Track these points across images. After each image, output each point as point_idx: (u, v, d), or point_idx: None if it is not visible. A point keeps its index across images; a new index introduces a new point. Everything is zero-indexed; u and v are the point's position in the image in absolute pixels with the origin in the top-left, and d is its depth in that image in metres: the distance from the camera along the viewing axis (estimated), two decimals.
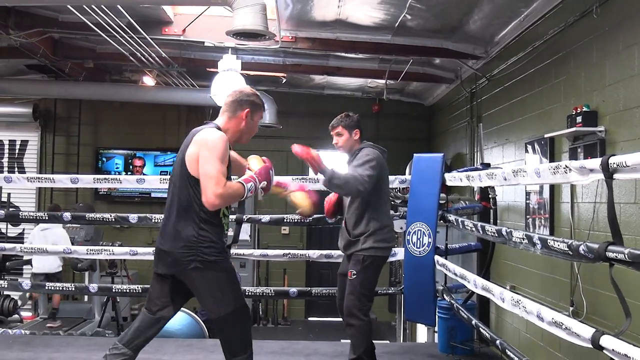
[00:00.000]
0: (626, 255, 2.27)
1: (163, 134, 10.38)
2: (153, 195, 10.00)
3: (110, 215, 5.11)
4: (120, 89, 9.27)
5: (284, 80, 9.27)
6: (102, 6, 5.57)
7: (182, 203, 3.06)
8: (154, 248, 5.13)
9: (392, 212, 6.12)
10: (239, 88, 3.39)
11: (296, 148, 3.89)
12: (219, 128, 3.16)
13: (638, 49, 3.90)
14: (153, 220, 5.07)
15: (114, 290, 5.38)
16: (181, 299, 3.22)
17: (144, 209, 9.59)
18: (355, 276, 4.00)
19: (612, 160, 2.38)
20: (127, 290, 5.23)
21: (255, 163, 3.28)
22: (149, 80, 9.06)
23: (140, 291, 5.24)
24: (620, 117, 4.10)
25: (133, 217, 5.01)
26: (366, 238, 4.01)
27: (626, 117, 4.02)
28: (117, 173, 10.13)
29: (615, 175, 2.38)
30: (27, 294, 8.39)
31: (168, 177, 4.91)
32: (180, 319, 5.75)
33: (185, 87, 8.99)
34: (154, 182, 5.51)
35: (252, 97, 3.25)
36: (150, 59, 7.32)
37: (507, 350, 3.70)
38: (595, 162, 2.48)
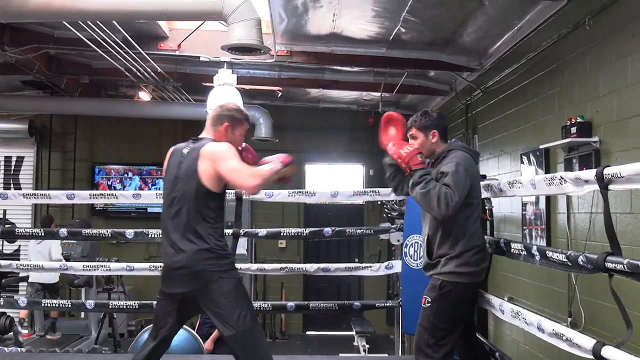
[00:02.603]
0: (625, 266, 2.27)
1: (159, 149, 10.37)
2: (149, 210, 9.99)
3: (107, 231, 5.09)
4: (116, 104, 9.27)
5: (280, 94, 9.28)
6: (98, 22, 5.60)
7: (196, 218, 3.10)
8: (151, 264, 5.18)
9: (388, 224, 6.14)
10: (222, 103, 3.47)
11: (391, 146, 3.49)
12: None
13: (631, 60, 3.93)
14: (150, 236, 5.05)
15: (110, 306, 5.35)
16: (186, 317, 3.29)
17: (140, 224, 9.54)
18: (429, 305, 3.36)
19: (606, 171, 2.38)
20: (124, 307, 5.20)
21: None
22: (144, 95, 9.06)
23: (137, 307, 5.21)
24: (615, 127, 4.12)
25: (129, 233, 4.99)
26: (448, 260, 3.34)
27: (620, 127, 4.04)
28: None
29: (611, 186, 2.39)
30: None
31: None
32: (177, 334, 5.69)
33: (181, 101, 9.01)
34: (150, 197, 5.51)
35: (231, 111, 3.33)
36: (145, 74, 7.34)
37: None
38: (590, 173, 2.49)
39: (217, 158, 3.09)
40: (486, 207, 5.60)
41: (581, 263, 2.57)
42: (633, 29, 3.91)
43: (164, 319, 3.20)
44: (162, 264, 5.01)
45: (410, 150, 3.43)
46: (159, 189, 10.03)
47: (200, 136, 3.29)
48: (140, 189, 10.32)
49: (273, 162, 3.25)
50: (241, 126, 3.35)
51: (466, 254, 3.33)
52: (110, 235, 5.05)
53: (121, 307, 5.19)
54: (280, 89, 8.89)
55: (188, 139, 3.34)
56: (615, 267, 2.34)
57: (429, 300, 3.37)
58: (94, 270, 5.27)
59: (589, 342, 2.49)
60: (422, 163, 3.41)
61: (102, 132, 10.56)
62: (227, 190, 3.25)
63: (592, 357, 2.45)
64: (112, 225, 8.60)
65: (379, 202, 6.96)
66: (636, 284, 2.31)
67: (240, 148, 3.36)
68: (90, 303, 5.21)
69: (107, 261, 6.84)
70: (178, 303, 3.16)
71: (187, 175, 3.13)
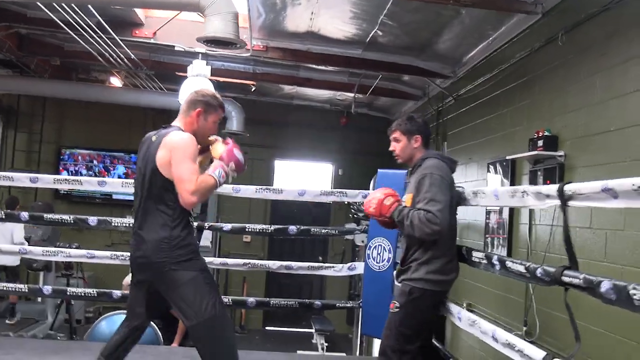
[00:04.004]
0: (581, 281, 2.32)
1: (128, 136, 10.27)
2: (114, 197, 9.88)
3: (69, 217, 5.00)
4: (87, 88, 9.13)
5: (254, 89, 9.26)
6: (72, 5, 5.51)
7: (154, 206, 3.07)
8: (112, 252, 5.12)
9: (354, 225, 6.18)
10: (197, 89, 3.39)
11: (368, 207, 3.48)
12: (183, 130, 3.17)
13: (599, 78, 4.01)
14: (113, 224, 5.00)
15: (68, 293, 5.27)
16: (156, 307, 3.22)
17: (105, 211, 9.46)
18: (397, 310, 3.35)
19: (567, 187, 2.43)
20: (83, 294, 5.12)
21: (218, 148, 3.25)
22: (116, 81, 8.96)
23: (95, 295, 5.14)
24: (580, 143, 4.20)
25: (93, 220, 4.91)
26: (418, 266, 3.34)
27: (585, 143, 4.12)
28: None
29: (570, 202, 2.44)
30: None
31: (130, 181, 4.87)
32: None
33: (153, 89, 8.92)
34: (116, 185, 5.44)
35: (206, 97, 3.25)
36: (118, 59, 7.25)
37: None
38: (552, 189, 2.53)
39: (173, 152, 3.01)
40: None
41: (539, 275, 2.62)
42: (603, 48, 3.99)
43: (134, 307, 3.19)
44: (122, 253, 5.04)
45: (376, 204, 3.44)
46: (122, 177, 10.08)
47: (170, 124, 3.23)
48: (101, 175, 10.21)
49: (218, 167, 3.11)
50: (215, 113, 3.27)
51: (437, 261, 3.34)
52: (72, 222, 4.97)
53: (79, 294, 5.12)
54: (254, 83, 8.87)
55: (159, 126, 3.30)
56: (571, 281, 2.39)
57: (398, 305, 3.35)
58: (54, 255, 5.18)
59: (539, 354, 2.55)
60: (392, 205, 3.40)
61: (71, 115, 10.39)
62: None
63: None
64: (76, 210, 8.49)
65: (346, 202, 6.99)
66: (591, 297, 2.37)
67: (213, 138, 3.28)
68: (47, 289, 5.12)
69: (68, 246, 6.72)
70: (145, 292, 3.14)
71: (148, 163, 3.09)
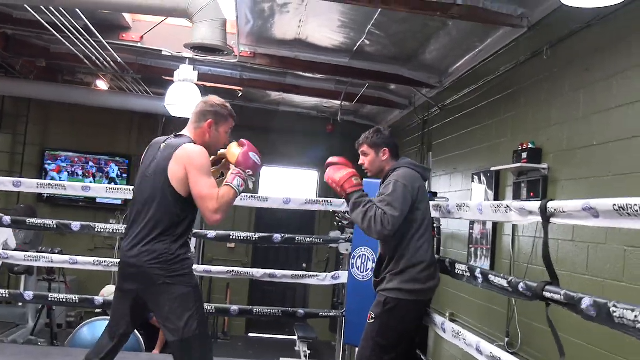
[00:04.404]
0: (562, 297, 2.35)
1: (113, 139, 10.22)
2: (98, 200, 9.80)
3: (52, 222, 4.96)
4: (73, 90, 9.05)
5: (240, 94, 9.24)
6: (60, 8, 5.47)
7: (160, 218, 2.99)
8: (95, 258, 5.08)
9: (338, 233, 6.17)
10: (205, 98, 3.32)
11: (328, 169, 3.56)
12: (194, 141, 3.11)
13: (583, 93, 4.06)
14: (97, 229, 4.97)
15: (50, 299, 5.22)
16: (139, 316, 3.19)
17: (89, 214, 9.40)
18: (373, 321, 3.36)
19: (550, 205, 2.46)
20: (64, 300, 5.07)
21: (233, 152, 3.17)
22: (102, 84, 8.91)
23: (77, 301, 5.11)
24: (563, 156, 4.24)
25: (76, 225, 4.88)
26: (392, 276, 3.36)
27: (568, 157, 4.16)
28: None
29: (552, 220, 2.47)
30: None
31: (114, 186, 4.86)
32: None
33: (139, 93, 8.88)
34: (100, 190, 5.41)
35: (215, 107, 3.19)
36: (105, 63, 7.21)
37: None
38: (535, 205, 2.56)
39: (188, 168, 2.96)
40: (434, 225, 5.71)
41: (521, 290, 2.65)
42: (587, 63, 4.04)
43: (118, 316, 3.14)
44: (105, 259, 5.00)
45: (344, 174, 3.45)
46: (107, 183, 10.00)
47: (181, 133, 3.18)
48: (88, 175, 10.13)
49: (235, 175, 3.04)
50: (226, 123, 3.23)
51: (410, 270, 3.33)
52: (55, 227, 4.93)
53: (61, 300, 5.07)
54: (241, 89, 8.86)
55: (169, 133, 3.25)
56: (552, 297, 2.41)
57: (373, 316, 3.36)
58: (36, 261, 5.12)
59: None
60: (357, 186, 3.43)
61: (56, 117, 10.30)
62: None
63: None
64: (59, 214, 8.43)
65: (331, 211, 6.99)
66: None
67: (223, 152, 3.22)
68: (29, 294, 5.06)
69: (51, 251, 6.65)
70: (131, 301, 3.09)
71: (157, 173, 3.02)
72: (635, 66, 3.52)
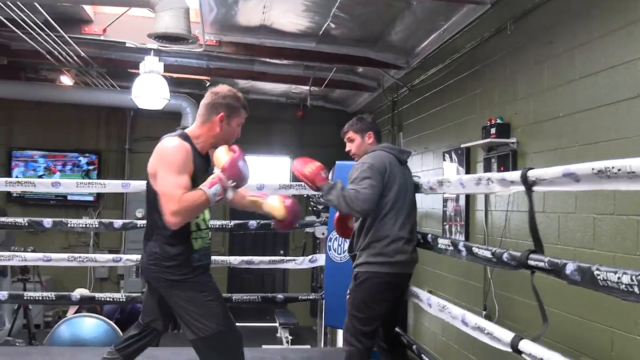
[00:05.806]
0: (546, 264, 2.39)
1: (81, 135, 10.07)
2: (69, 198, 9.68)
3: (24, 220, 4.91)
4: (37, 88, 8.91)
5: (208, 84, 9.15)
6: (18, 2, 5.37)
7: (151, 216, 2.92)
8: (69, 254, 5.04)
9: (313, 217, 6.20)
10: (215, 89, 3.05)
11: (295, 165, 3.63)
12: (186, 135, 2.91)
13: (547, 66, 4.11)
14: (69, 225, 4.92)
15: (25, 297, 5.17)
16: (169, 314, 3.03)
17: (60, 212, 9.26)
18: (348, 295, 3.58)
19: (530, 173, 2.50)
20: (40, 298, 5.03)
21: (221, 156, 2.86)
22: (67, 80, 8.76)
23: (54, 298, 5.06)
24: (531, 129, 4.30)
25: (48, 222, 4.83)
26: (361, 252, 3.55)
27: (536, 129, 4.22)
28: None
29: (535, 188, 2.51)
30: None
31: (85, 180, 4.81)
32: (95, 326, 5.56)
33: (105, 87, 8.76)
34: (70, 186, 5.34)
35: (227, 98, 2.97)
36: (68, 58, 7.09)
37: (422, 355, 3.82)
38: (516, 175, 2.60)
39: (159, 163, 2.78)
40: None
41: (505, 260, 2.69)
42: (551, 36, 4.09)
43: (147, 306, 3.11)
44: (80, 255, 4.95)
45: (314, 169, 3.57)
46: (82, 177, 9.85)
47: (182, 127, 3.11)
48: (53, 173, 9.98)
49: (216, 182, 2.74)
50: (239, 115, 3.01)
51: (375, 245, 3.50)
52: (27, 225, 4.87)
53: (37, 298, 5.02)
54: (209, 78, 8.78)
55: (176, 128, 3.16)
56: (537, 264, 2.46)
57: (348, 291, 3.59)
58: (9, 260, 5.06)
59: (507, 335, 2.64)
60: (326, 179, 3.56)
61: (21, 116, 10.09)
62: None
63: (510, 349, 2.60)
64: (29, 213, 8.28)
65: (305, 195, 7.01)
66: (553, 281, 2.44)
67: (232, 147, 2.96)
68: (3, 294, 5.01)
69: (23, 250, 6.57)
70: (158, 295, 2.98)
71: (148, 170, 2.89)
72: (598, 37, 3.57)
